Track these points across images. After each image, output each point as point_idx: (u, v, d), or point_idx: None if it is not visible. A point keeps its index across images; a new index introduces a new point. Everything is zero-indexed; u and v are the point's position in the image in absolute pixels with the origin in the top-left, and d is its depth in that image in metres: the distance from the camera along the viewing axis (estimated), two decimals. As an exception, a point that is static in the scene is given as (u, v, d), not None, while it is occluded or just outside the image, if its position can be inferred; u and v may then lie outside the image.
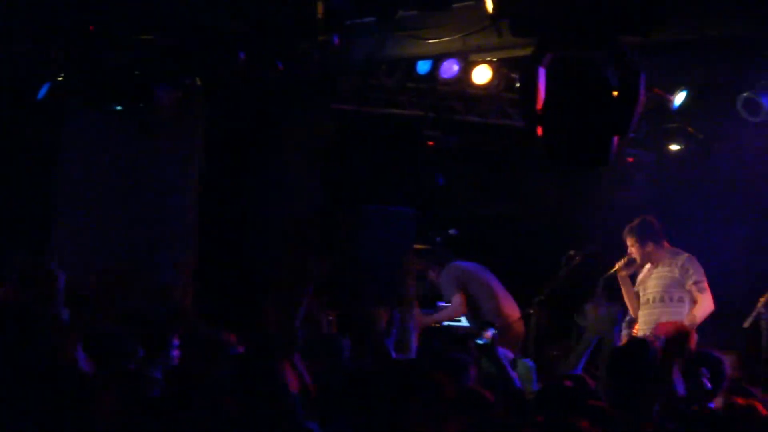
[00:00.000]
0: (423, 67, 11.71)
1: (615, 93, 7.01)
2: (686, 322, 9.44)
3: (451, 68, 11.66)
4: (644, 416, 6.09)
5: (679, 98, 12.21)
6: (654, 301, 9.77)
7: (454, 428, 5.39)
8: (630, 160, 13.34)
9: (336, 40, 9.96)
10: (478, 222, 13.72)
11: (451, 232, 11.48)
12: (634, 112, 7.09)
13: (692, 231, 13.92)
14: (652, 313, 9.80)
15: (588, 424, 5.14)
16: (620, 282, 10.14)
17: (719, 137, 12.69)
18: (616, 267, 10.11)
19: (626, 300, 10.23)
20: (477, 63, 11.72)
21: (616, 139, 7.11)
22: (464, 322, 11.67)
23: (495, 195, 14.19)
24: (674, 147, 13.12)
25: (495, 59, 11.64)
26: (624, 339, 10.20)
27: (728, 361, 9.29)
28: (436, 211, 13.49)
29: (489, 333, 10.73)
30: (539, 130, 7.16)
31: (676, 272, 9.73)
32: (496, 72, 11.79)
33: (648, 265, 10.01)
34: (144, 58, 10.37)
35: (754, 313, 9.88)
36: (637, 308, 10.06)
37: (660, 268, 9.83)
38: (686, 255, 9.85)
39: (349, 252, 12.24)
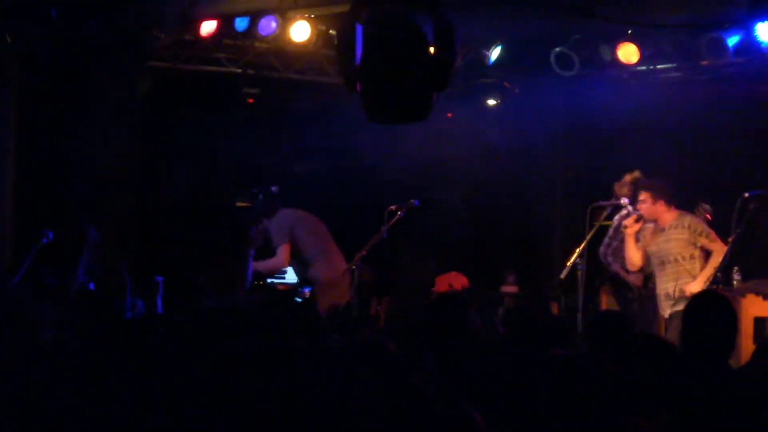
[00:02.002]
0: (241, 24, 11.59)
1: (431, 49, 7.06)
2: (703, 276, 9.73)
3: (269, 25, 11.56)
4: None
5: (495, 53, 12.36)
6: (669, 263, 9.93)
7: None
8: (449, 115, 13.47)
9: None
10: (298, 178, 13.72)
11: (273, 189, 11.39)
12: (450, 68, 7.16)
13: (518, 184, 14.21)
14: (670, 273, 9.95)
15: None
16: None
17: (534, 92, 12.90)
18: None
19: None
20: (295, 20, 11.64)
21: (434, 94, 7.17)
22: (290, 276, 11.65)
23: (314, 151, 14.21)
24: (491, 102, 13.31)
25: (313, 16, 11.59)
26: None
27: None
28: (257, 170, 13.44)
29: (305, 291, 10.84)
30: (357, 87, 7.18)
31: (686, 233, 9.89)
32: (314, 29, 11.73)
33: (651, 227, 10.08)
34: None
35: (569, 264, 10.12)
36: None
37: (669, 231, 9.96)
38: (690, 215, 10.02)
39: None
